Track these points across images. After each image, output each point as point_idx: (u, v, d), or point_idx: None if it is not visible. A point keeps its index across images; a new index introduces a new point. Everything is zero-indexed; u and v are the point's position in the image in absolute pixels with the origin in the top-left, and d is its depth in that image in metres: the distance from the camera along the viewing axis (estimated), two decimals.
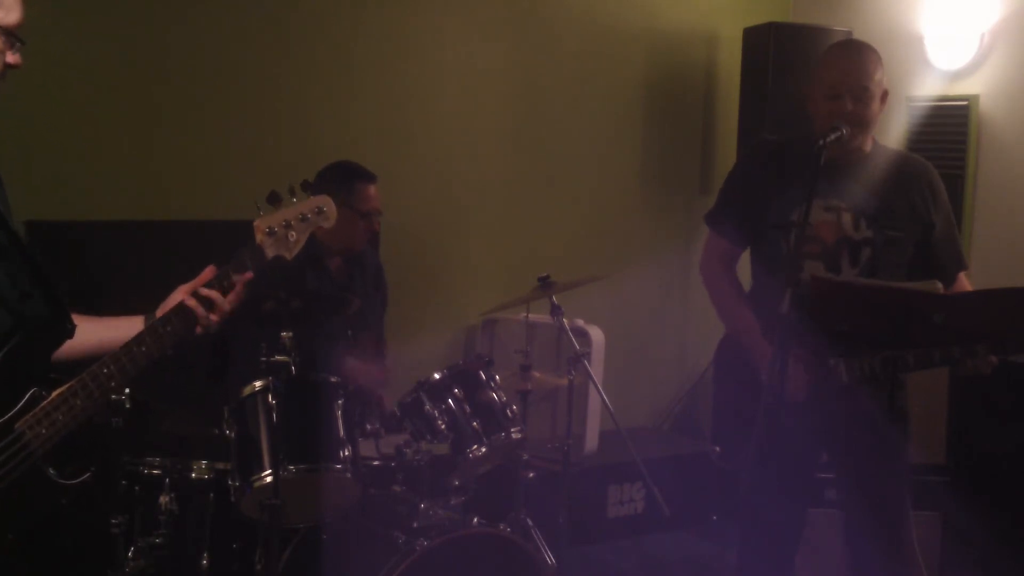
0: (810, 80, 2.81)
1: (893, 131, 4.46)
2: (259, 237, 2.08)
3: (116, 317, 2.08)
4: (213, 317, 2.02)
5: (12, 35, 1.84)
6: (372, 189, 3.49)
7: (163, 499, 2.77)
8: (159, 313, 2.03)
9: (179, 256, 3.73)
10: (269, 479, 2.60)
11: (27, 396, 1.82)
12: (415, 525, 2.90)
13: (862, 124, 2.70)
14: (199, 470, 2.85)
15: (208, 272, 2.06)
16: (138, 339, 1.93)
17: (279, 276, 2.17)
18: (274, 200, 2.10)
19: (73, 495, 1.88)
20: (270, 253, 2.08)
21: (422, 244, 4.51)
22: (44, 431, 1.81)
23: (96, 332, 2.04)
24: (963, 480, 3.79)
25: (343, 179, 3.46)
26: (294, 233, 2.11)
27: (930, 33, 4.67)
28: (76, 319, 2.03)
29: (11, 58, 1.85)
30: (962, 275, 2.85)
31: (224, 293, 2.03)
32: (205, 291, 2.02)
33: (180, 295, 2.04)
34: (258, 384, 2.75)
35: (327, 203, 2.15)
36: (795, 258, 2.43)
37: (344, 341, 3.39)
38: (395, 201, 4.26)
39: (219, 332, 2.06)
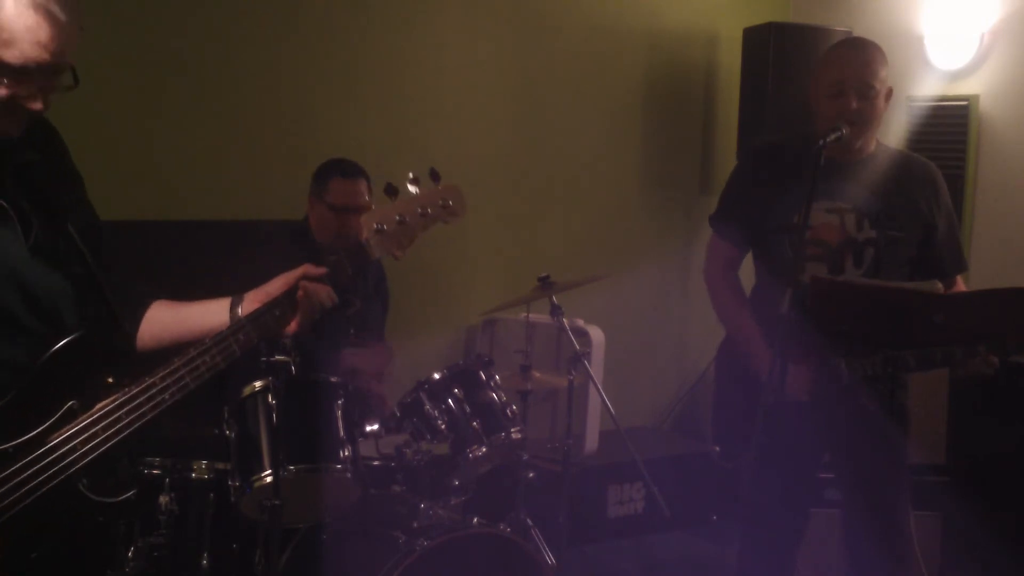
0: (813, 78, 2.80)
1: (893, 131, 4.46)
2: (365, 234, 1.90)
3: (198, 303, 1.95)
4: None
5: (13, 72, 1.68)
6: (349, 184, 3.43)
7: (163, 499, 2.78)
8: (248, 297, 1.90)
9: (180, 256, 3.76)
10: (269, 479, 2.59)
11: (63, 409, 1.72)
12: (415, 525, 2.90)
13: (867, 122, 2.69)
14: (199, 470, 2.85)
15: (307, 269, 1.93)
16: (201, 348, 1.80)
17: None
18: (391, 192, 1.89)
19: (113, 512, 1.77)
20: (376, 253, 1.92)
21: (422, 244, 4.48)
22: (81, 446, 1.70)
23: (178, 323, 1.92)
24: (963, 480, 3.79)
25: (321, 175, 3.48)
26: (408, 230, 1.92)
27: (930, 33, 4.67)
28: (160, 307, 1.95)
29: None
30: (959, 278, 2.85)
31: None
32: (313, 286, 1.88)
33: (277, 284, 1.90)
34: (258, 384, 2.75)
35: (455, 195, 1.92)
36: (797, 260, 2.43)
37: (345, 341, 3.39)
38: None
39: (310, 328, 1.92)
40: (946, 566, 3.77)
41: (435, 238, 4.51)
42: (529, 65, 4.74)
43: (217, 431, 2.80)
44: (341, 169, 3.47)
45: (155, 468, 2.82)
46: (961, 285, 2.84)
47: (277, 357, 2.52)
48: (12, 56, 1.65)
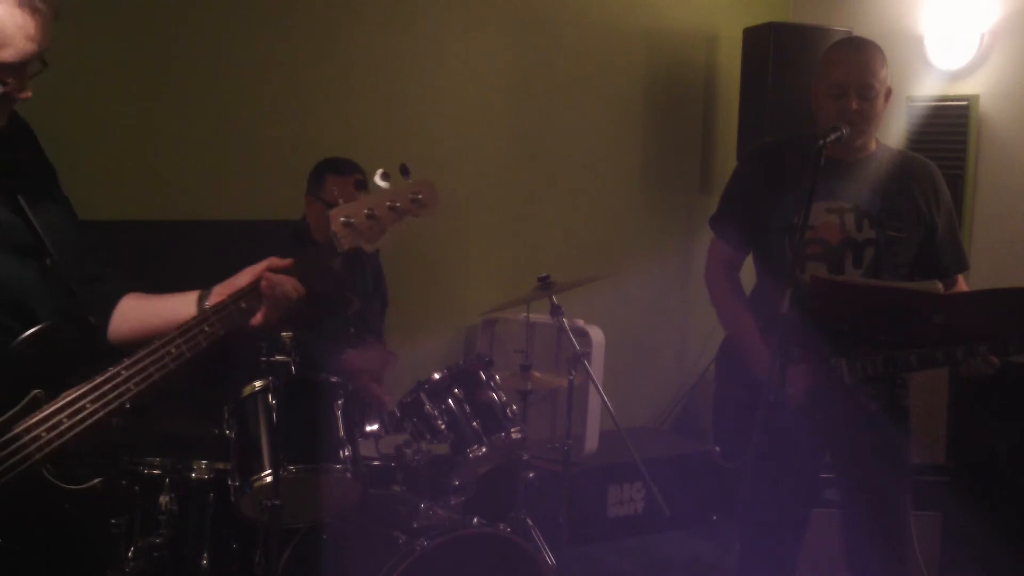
0: (814, 78, 2.80)
1: (893, 131, 4.46)
2: (334, 226, 1.90)
3: (167, 296, 1.96)
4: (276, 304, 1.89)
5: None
6: (345, 181, 3.40)
7: (163, 499, 2.77)
8: (216, 290, 1.91)
9: (178, 256, 3.75)
10: (269, 479, 2.59)
11: (28, 397, 1.74)
12: (415, 525, 2.90)
13: (867, 122, 2.69)
14: (199, 470, 2.85)
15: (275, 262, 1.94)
16: (166, 339, 1.80)
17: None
18: (361, 186, 1.96)
19: (79, 500, 1.78)
20: (344, 246, 1.91)
21: (422, 244, 4.51)
22: (45, 434, 1.72)
23: (147, 315, 1.93)
24: (963, 480, 3.80)
25: (316, 173, 3.50)
26: (378, 223, 1.90)
27: (930, 33, 4.67)
28: (130, 300, 1.96)
29: None
30: (960, 277, 2.85)
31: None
32: (277, 277, 1.89)
33: (244, 277, 1.91)
34: (258, 384, 2.75)
35: (425, 189, 1.92)
36: (796, 259, 2.42)
37: (345, 341, 3.39)
38: None
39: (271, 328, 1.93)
40: (946, 566, 3.77)
41: (435, 238, 4.55)
42: (529, 65, 4.74)
43: (217, 431, 2.80)
44: (336, 167, 3.47)
45: (155, 468, 2.82)
46: (962, 284, 2.84)
47: (277, 357, 2.52)
48: (8, 55, 1.71)
